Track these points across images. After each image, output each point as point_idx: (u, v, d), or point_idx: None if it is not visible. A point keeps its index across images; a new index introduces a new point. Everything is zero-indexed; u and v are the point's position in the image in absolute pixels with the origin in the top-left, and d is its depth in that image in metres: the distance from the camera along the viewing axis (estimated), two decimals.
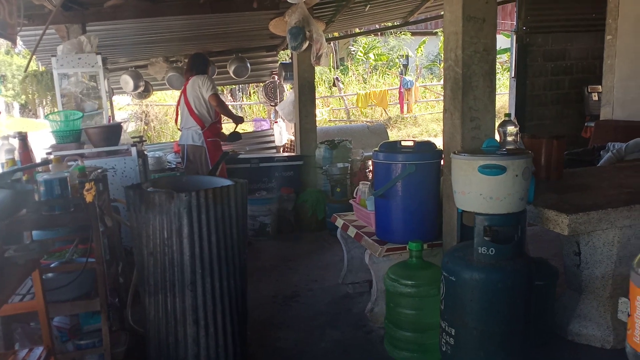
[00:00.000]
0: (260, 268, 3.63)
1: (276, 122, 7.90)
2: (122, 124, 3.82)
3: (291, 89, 6.50)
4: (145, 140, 4.81)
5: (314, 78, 5.30)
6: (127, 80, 6.25)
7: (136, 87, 6.34)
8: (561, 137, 2.58)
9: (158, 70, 6.39)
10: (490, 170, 1.91)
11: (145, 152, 3.77)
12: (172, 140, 9.88)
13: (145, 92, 6.83)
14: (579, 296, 2.37)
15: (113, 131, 3.45)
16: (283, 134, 7.49)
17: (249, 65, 6.56)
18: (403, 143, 2.60)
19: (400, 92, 13.02)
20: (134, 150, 3.32)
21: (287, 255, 3.96)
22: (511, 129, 2.46)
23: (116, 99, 9.73)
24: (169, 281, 2.06)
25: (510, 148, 2.32)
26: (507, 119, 2.50)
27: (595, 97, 6.82)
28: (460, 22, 2.19)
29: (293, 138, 6.35)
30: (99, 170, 2.54)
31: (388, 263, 2.50)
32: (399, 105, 13.39)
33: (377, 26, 9.66)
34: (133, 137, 3.96)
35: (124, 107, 12.80)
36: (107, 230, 2.45)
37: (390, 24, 8.74)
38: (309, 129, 5.16)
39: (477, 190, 1.95)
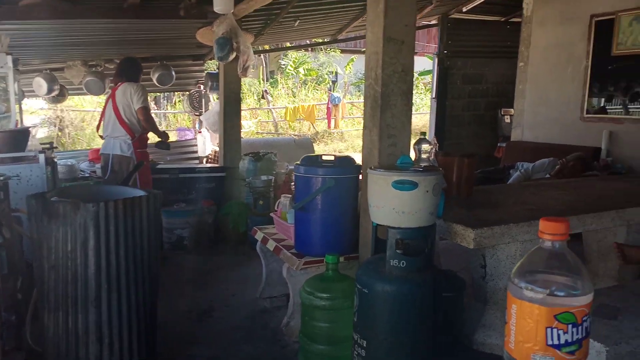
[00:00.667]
0: (176, 283, 3.50)
1: (200, 132, 7.75)
2: (30, 129, 3.59)
3: (217, 99, 6.41)
4: (57, 147, 4.55)
5: (241, 89, 5.26)
6: (40, 83, 5.88)
7: (50, 91, 5.98)
8: (472, 155, 2.72)
9: (75, 74, 6.06)
10: (402, 186, 1.98)
11: (56, 160, 3.55)
12: (87, 147, 9.40)
13: (60, 97, 6.45)
14: (484, 307, 2.49)
15: (19, 136, 3.23)
16: (207, 144, 7.36)
17: (173, 73, 6.40)
18: (324, 157, 2.64)
19: (328, 108, 13.24)
20: (41, 157, 3.12)
21: (205, 269, 3.86)
22: (426, 146, 2.56)
23: (28, 102, 9.14)
24: (71, 296, 1.94)
25: (424, 165, 2.42)
26: (422, 137, 2.60)
27: (507, 119, 7.27)
28: (381, 43, 2.27)
29: (217, 149, 6.25)
30: (0, 178, 2.37)
31: (306, 276, 2.50)
32: (326, 120, 13.60)
33: (308, 41, 9.80)
34: (42, 144, 3.73)
35: (36, 112, 12.03)
36: (5, 242, 2.27)
37: (320, 40, 8.90)
38: (233, 140, 5.10)
39: (391, 204, 2.01)
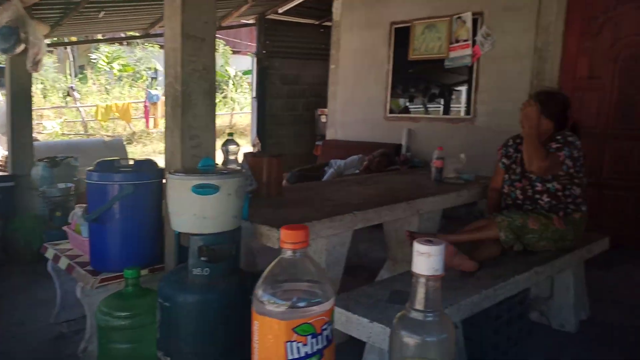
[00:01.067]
0: None
1: None
2: None
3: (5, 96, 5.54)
4: None
5: (31, 85, 4.61)
6: None
7: None
8: (279, 155, 2.73)
9: None
10: (203, 190, 1.87)
11: None
12: None
13: None
14: None
15: None
16: None
17: None
18: (121, 162, 2.40)
19: (145, 106, 12.48)
20: None
21: None
22: (233, 148, 2.49)
23: None
24: None
25: (229, 167, 2.34)
26: (229, 138, 2.52)
27: (324, 119, 7.63)
28: (180, 40, 2.14)
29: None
30: None
31: (104, 294, 2.25)
32: (144, 120, 12.81)
33: (123, 34, 9.08)
34: None
35: None
36: None
37: (136, 34, 8.30)
38: (24, 143, 4.45)
39: (191, 210, 1.89)
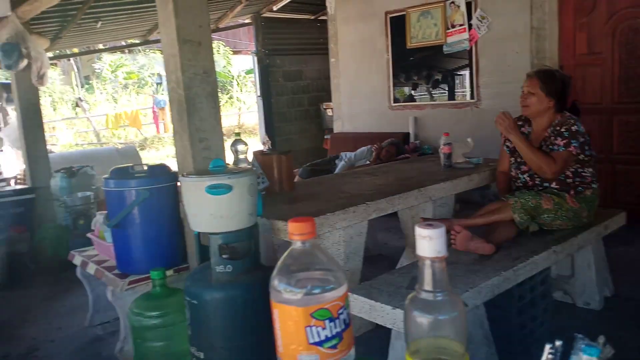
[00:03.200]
0: None
1: (1, 150, 6.82)
2: None
3: None
4: None
5: (39, 99, 4.73)
6: None
7: None
8: (288, 152, 2.81)
9: None
10: (217, 190, 1.95)
11: None
12: None
13: None
14: None
15: None
16: (14, 163, 6.49)
17: None
18: (135, 167, 2.50)
19: (154, 112, 12.61)
20: None
21: (23, 305, 3.42)
22: (242, 147, 2.57)
23: None
24: None
25: (241, 166, 2.43)
26: (237, 138, 2.60)
27: (329, 112, 7.69)
28: (177, 45, 2.20)
29: None
30: None
31: (134, 296, 2.35)
32: (154, 125, 12.95)
33: (124, 43, 9.17)
34: None
35: None
36: None
37: (136, 41, 8.39)
38: (39, 156, 4.57)
39: (207, 210, 1.97)
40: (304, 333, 0.69)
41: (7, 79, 6.64)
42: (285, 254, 0.75)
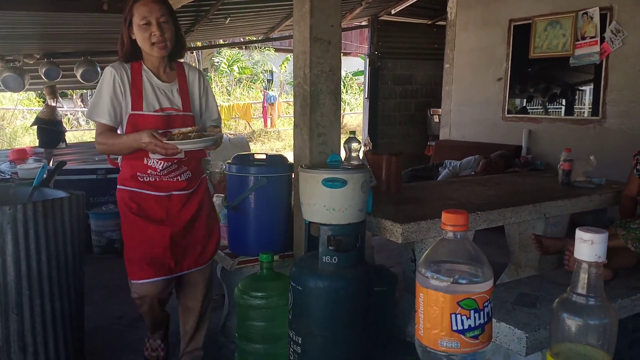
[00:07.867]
0: (106, 288, 3.38)
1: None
2: None
3: None
4: None
5: None
6: None
7: None
8: (399, 154, 2.82)
9: None
10: (332, 184, 2.02)
11: None
12: (8, 147, 8.83)
13: None
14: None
15: None
16: None
17: (99, 69, 6.14)
18: (256, 156, 2.64)
19: (264, 107, 13.19)
20: None
21: None
22: (355, 145, 2.62)
23: None
24: None
25: (353, 163, 2.48)
26: (351, 136, 2.66)
27: (436, 119, 7.56)
28: (308, 43, 2.30)
29: None
30: None
31: (241, 276, 2.50)
32: (262, 119, 13.54)
33: (242, 39, 9.70)
34: None
35: None
36: None
37: (254, 38, 8.86)
38: None
39: (321, 202, 2.05)
40: (448, 319, 0.71)
41: None
42: (435, 243, 0.77)
